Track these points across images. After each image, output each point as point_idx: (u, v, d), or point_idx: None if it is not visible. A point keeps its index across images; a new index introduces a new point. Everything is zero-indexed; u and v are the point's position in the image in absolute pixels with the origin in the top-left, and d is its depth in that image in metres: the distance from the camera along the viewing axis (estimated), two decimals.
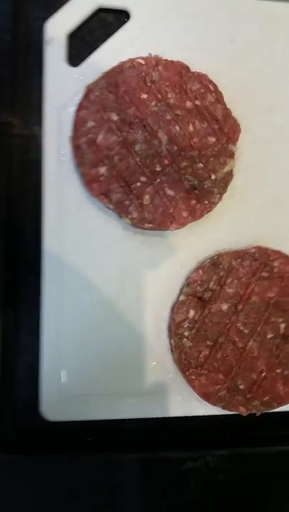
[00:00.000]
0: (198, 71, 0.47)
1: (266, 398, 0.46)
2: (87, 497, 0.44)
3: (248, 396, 0.46)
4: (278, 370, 0.46)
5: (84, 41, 0.48)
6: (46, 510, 0.43)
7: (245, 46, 0.50)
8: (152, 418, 0.46)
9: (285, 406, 0.47)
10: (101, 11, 0.48)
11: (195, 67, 0.48)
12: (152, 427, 0.47)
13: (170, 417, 0.47)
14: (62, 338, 0.46)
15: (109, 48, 0.47)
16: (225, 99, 0.48)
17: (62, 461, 0.44)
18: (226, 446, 0.47)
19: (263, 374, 0.46)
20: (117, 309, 0.47)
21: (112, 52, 0.47)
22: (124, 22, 0.48)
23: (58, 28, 0.46)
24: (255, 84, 0.50)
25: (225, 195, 0.48)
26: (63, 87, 0.46)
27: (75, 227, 0.46)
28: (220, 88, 0.48)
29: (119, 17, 0.48)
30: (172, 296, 0.48)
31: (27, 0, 0.47)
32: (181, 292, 0.47)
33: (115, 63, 0.45)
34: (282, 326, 0.46)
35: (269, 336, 0.46)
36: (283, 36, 0.50)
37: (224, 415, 0.46)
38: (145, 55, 0.46)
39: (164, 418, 0.47)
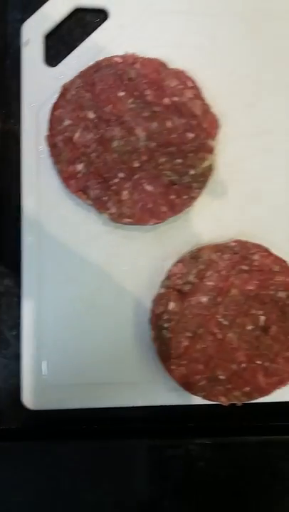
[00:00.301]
0: (179, 67, 0.48)
1: (247, 389, 0.47)
2: (66, 483, 0.46)
3: (228, 386, 0.47)
4: (258, 362, 0.47)
5: (62, 41, 0.49)
6: (25, 496, 0.45)
7: (226, 42, 0.50)
8: (134, 407, 0.48)
9: (266, 397, 0.48)
10: (79, 11, 0.49)
11: (175, 63, 0.48)
12: (133, 416, 0.48)
13: (151, 406, 0.48)
14: (43, 330, 0.47)
15: (87, 47, 0.48)
16: (206, 94, 0.48)
17: (42, 448, 0.46)
18: (207, 435, 0.48)
19: (243, 365, 0.46)
20: (98, 302, 0.49)
21: (90, 52, 0.48)
22: (103, 21, 0.49)
23: (35, 29, 0.47)
24: (236, 80, 0.50)
25: (206, 190, 0.49)
26: (41, 87, 0.47)
27: (54, 222, 0.48)
28: (201, 84, 0.48)
29: (97, 16, 0.49)
30: (154, 289, 0.48)
31: (3, 2, 0.48)
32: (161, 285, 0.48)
33: (93, 62, 0.46)
34: (262, 318, 0.47)
35: (248, 328, 0.47)
36: (264, 31, 0.50)
37: (206, 405, 0.47)
38: (127, 52, 0.47)
39: (145, 407, 0.48)
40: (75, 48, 0.48)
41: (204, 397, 0.47)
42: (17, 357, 0.48)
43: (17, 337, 0.48)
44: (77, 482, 0.46)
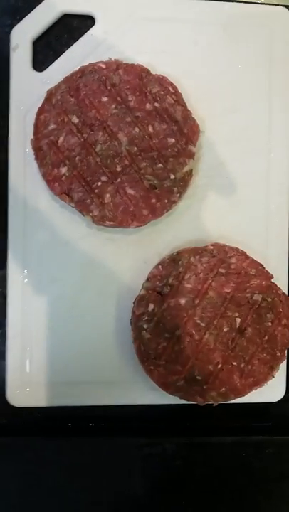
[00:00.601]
0: (162, 73, 0.49)
1: (223, 389, 0.48)
2: (46, 479, 0.47)
3: (204, 387, 0.48)
4: (234, 363, 0.48)
5: (49, 46, 0.50)
6: (7, 491, 0.46)
7: (208, 48, 0.51)
8: (113, 406, 0.49)
9: (241, 398, 0.49)
10: (66, 17, 0.50)
11: (159, 69, 0.50)
12: (112, 414, 0.50)
13: (130, 405, 0.49)
14: (27, 329, 0.49)
15: (74, 52, 0.49)
16: (188, 100, 0.49)
17: (23, 443, 0.47)
18: (184, 434, 0.49)
19: (219, 366, 0.48)
20: (81, 302, 0.50)
21: (76, 57, 0.49)
22: (90, 27, 0.50)
23: (23, 34, 0.48)
24: (217, 86, 0.51)
25: (187, 194, 0.50)
26: (28, 92, 0.48)
27: (39, 223, 0.49)
28: (183, 90, 0.49)
29: (84, 22, 0.50)
30: (135, 290, 0.49)
31: None
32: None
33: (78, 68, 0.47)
34: (238, 320, 0.48)
35: (225, 330, 0.48)
36: (246, 38, 0.51)
37: (182, 404, 0.48)
38: (111, 58, 0.48)
39: (124, 406, 0.49)
40: (62, 53, 0.49)
41: (181, 397, 0.48)
42: (2, 355, 0.49)
43: (3, 335, 0.49)
44: (55, 478, 0.47)
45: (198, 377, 0.48)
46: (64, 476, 0.48)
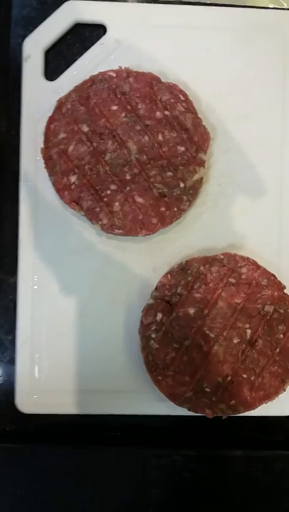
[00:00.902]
0: (173, 81, 0.48)
1: (232, 402, 0.47)
2: (52, 487, 0.47)
3: (213, 399, 0.47)
4: (244, 375, 0.47)
5: (62, 55, 0.50)
6: (17, 496, 0.47)
7: (220, 54, 0.50)
8: (121, 415, 0.49)
9: (251, 411, 0.47)
10: (78, 26, 0.50)
11: (170, 77, 0.49)
12: (120, 424, 0.49)
13: (138, 415, 0.49)
14: (37, 336, 0.49)
15: (85, 61, 0.50)
16: (199, 107, 0.49)
17: (31, 450, 0.48)
18: (192, 446, 0.48)
19: (229, 378, 0.47)
20: (91, 310, 0.50)
21: (88, 66, 0.49)
22: (101, 36, 0.50)
23: (36, 44, 0.49)
24: (229, 93, 0.50)
25: (198, 202, 0.50)
26: (40, 101, 0.49)
27: (50, 231, 0.49)
28: (194, 97, 0.49)
29: (96, 31, 0.50)
30: (144, 299, 0.49)
31: (6, 18, 0.50)
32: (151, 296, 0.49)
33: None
34: (249, 331, 0.47)
35: (235, 341, 0.47)
36: (257, 44, 0.50)
37: (191, 416, 0.48)
38: (121, 66, 0.48)
39: (132, 416, 0.49)
40: (74, 62, 0.50)
41: (190, 409, 0.47)
42: (12, 361, 0.50)
43: (13, 342, 0.50)
44: (62, 486, 0.47)
45: (207, 389, 0.47)
46: (70, 484, 0.47)
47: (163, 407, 0.48)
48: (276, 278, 0.48)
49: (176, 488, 0.48)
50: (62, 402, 0.49)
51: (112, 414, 0.49)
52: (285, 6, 0.52)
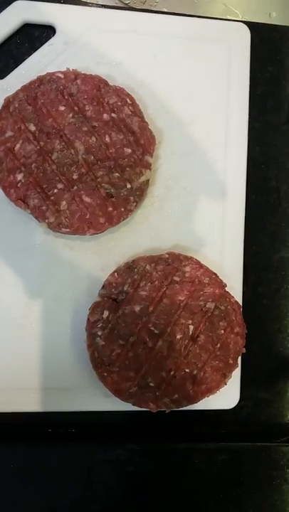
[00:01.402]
0: (121, 84, 0.49)
1: (175, 396, 0.48)
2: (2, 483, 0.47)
3: (157, 393, 0.48)
4: (187, 370, 0.48)
5: (10, 55, 0.50)
6: None
7: (167, 61, 0.52)
8: (66, 412, 0.49)
9: (195, 405, 0.49)
10: (27, 26, 0.50)
11: (118, 81, 0.51)
12: (65, 421, 0.50)
13: (83, 412, 0.49)
14: None
15: (34, 61, 0.50)
16: (146, 111, 0.50)
17: None
18: (136, 440, 0.49)
19: (172, 373, 0.48)
20: (37, 309, 0.50)
21: (36, 66, 0.50)
22: (50, 37, 0.51)
23: None
24: (175, 98, 0.52)
25: (144, 204, 0.51)
26: None
27: None
28: (141, 101, 0.50)
29: (45, 31, 0.51)
30: (92, 297, 0.50)
31: None
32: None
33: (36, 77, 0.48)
34: (191, 327, 0.49)
35: (178, 337, 0.48)
36: (203, 53, 0.53)
37: (135, 411, 0.49)
38: (69, 68, 0.49)
39: (78, 412, 0.49)
40: (23, 61, 0.50)
41: (134, 404, 0.48)
42: None
43: None
44: (7, 485, 0.47)
45: (151, 384, 0.48)
46: (15, 482, 0.47)
47: (108, 402, 0.49)
48: (218, 276, 0.50)
49: (121, 483, 0.49)
50: (6, 400, 0.49)
51: (57, 412, 0.49)
52: (239, 16, 0.54)
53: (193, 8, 0.68)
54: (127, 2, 0.59)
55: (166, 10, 0.57)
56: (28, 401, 0.49)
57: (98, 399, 0.49)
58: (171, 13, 0.54)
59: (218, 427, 0.53)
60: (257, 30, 0.55)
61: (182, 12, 0.55)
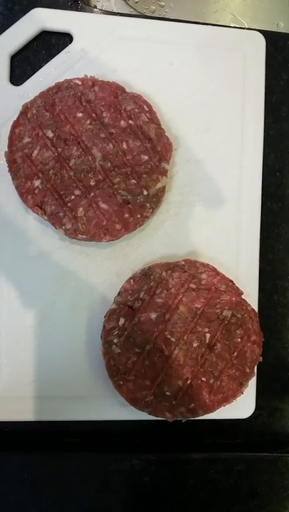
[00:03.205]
0: (137, 92, 0.50)
1: (192, 405, 0.48)
2: (11, 494, 0.46)
3: (174, 402, 0.48)
4: (203, 379, 0.48)
5: (28, 61, 0.51)
6: None
7: (182, 68, 0.52)
8: (81, 421, 0.49)
9: (210, 414, 0.48)
10: (44, 33, 0.51)
11: (134, 87, 0.51)
12: (81, 429, 0.49)
13: (98, 421, 0.49)
14: None
15: (51, 68, 0.50)
16: (162, 118, 0.50)
17: None
18: (152, 450, 0.49)
19: (189, 381, 0.48)
20: (52, 316, 0.49)
21: (54, 73, 0.50)
22: (67, 44, 0.51)
23: (1, 49, 0.49)
24: (191, 105, 0.52)
25: (160, 210, 0.51)
26: (4, 105, 0.49)
27: (12, 235, 0.49)
28: (158, 108, 0.50)
29: (62, 39, 0.51)
30: (107, 304, 0.50)
31: None
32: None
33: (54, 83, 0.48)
34: (208, 335, 0.48)
35: (195, 345, 0.48)
36: (218, 60, 0.53)
37: (151, 420, 0.48)
38: (87, 75, 0.49)
39: (93, 421, 0.49)
40: (40, 68, 0.50)
41: (150, 413, 0.48)
42: None
43: None
44: (22, 495, 0.46)
45: (168, 393, 0.48)
46: (29, 492, 0.47)
47: (123, 411, 0.49)
48: (234, 284, 0.49)
49: (136, 493, 0.48)
50: (22, 409, 0.48)
51: (72, 421, 0.49)
52: (246, 26, 0.55)
53: (202, 17, 0.68)
54: (140, 11, 0.59)
55: (179, 18, 0.57)
56: (41, 410, 0.48)
57: (113, 408, 0.49)
58: (186, 21, 0.54)
59: (234, 437, 0.53)
60: (272, 38, 0.55)
61: (195, 20, 0.56)
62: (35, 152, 0.47)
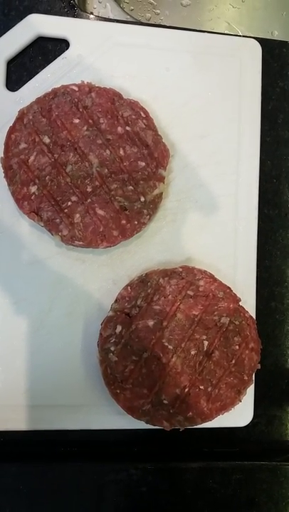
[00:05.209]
0: (134, 98, 0.49)
1: (190, 414, 0.47)
2: (7, 506, 0.45)
3: (171, 411, 0.47)
4: (201, 387, 0.47)
5: (24, 67, 0.50)
6: None
7: (179, 75, 0.52)
8: (78, 430, 0.48)
9: (208, 422, 0.48)
10: (41, 39, 0.50)
11: (131, 94, 0.51)
12: (77, 439, 0.48)
13: (95, 430, 0.48)
14: None
15: (47, 74, 0.50)
16: (159, 124, 0.50)
17: None
18: (149, 460, 0.48)
19: (186, 390, 0.47)
20: (48, 323, 0.49)
21: (50, 79, 0.50)
22: (64, 50, 0.51)
23: None
24: (188, 112, 0.52)
25: (157, 217, 0.51)
26: (1, 111, 0.48)
27: (7, 242, 0.49)
28: (155, 114, 0.50)
29: (58, 45, 0.51)
30: (104, 312, 0.49)
31: None
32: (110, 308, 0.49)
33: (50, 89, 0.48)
34: (206, 343, 0.48)
35: (192, 353, 0.48)
36: (214, 67, 0.53)
37: (148, 429, 0.48)
38: (84, 81, 0.49)
39: (90, 430, 0.48)
40: (36, 74, 0.50)
41: (147, 422, 0.47)
42: None
43: None
44: (18, 505, 0.45)
45: (165, 401, 0.47)
46: (25, 503, 0.46)
47: (120, 420, 0.48)
48: (232, 291, 0.49)
49: (133, 503, 0.47)
50: (17, 418, 0.47)
51: (68, 430, 0.48)
52: (240, 34, 0.55)
53: (197, 25, 0.69)
54: (136, 18, 0.59)
55: (175, 25, 0.57)
56: (37, 419, 0.48)
57: (110, 417, 0.48)
58: (181, 28, 0.54)
59: (231, 445, 0.52)
60: (267, 46, 0.56)
61: (190, 27, 0.56)
62: (32, 158, 0.46)
